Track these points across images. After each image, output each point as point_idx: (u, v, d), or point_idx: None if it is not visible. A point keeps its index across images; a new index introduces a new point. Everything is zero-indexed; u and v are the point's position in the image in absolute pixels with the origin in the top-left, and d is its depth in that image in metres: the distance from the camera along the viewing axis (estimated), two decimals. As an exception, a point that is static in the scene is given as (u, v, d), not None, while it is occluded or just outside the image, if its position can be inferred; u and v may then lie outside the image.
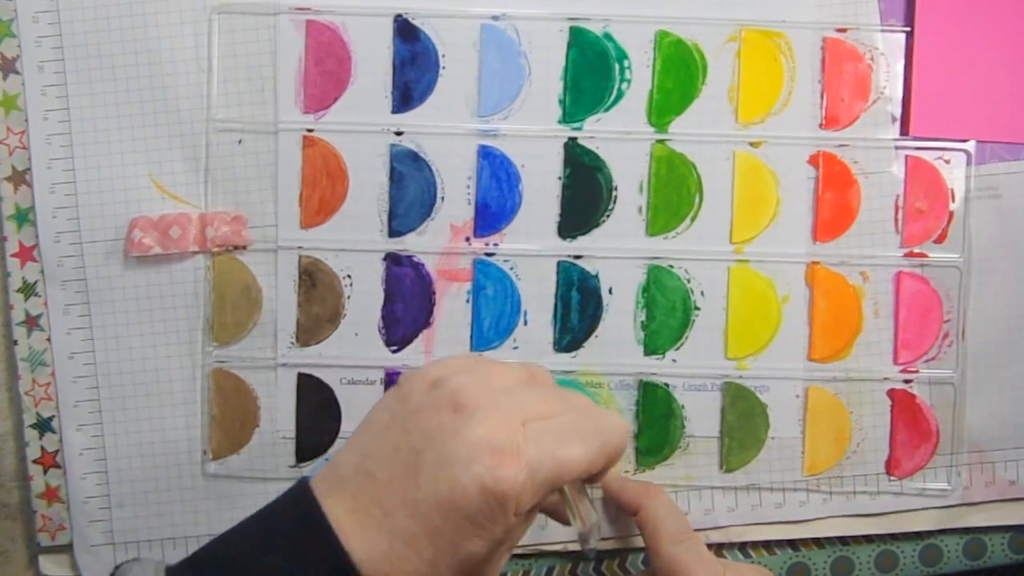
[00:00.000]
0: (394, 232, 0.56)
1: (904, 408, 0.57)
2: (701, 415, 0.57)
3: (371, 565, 0.37)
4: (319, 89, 0.55)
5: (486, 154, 0.56)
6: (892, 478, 0.58)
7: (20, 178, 0.56)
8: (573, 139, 0.56)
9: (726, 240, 0.57)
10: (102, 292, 0.56)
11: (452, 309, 0.56)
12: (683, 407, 0.57)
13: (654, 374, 0.57)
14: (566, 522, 0.44)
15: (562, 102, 0.56)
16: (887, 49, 0.56)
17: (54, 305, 0.56)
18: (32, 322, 0.56)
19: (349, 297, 0.56)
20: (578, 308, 0.57)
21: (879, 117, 0.57)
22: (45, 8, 0.55)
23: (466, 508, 0.37)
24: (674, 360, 0.57)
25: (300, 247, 0.56)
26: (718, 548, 0.58)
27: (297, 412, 0.56)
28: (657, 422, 0.57)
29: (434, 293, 0.56)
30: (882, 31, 0.56)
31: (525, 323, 0.57)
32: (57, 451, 0.56)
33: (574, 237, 0.56)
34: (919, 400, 0.57)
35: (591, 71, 0.56)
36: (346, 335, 0.56)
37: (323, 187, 0.56)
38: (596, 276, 0.56)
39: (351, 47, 0.55)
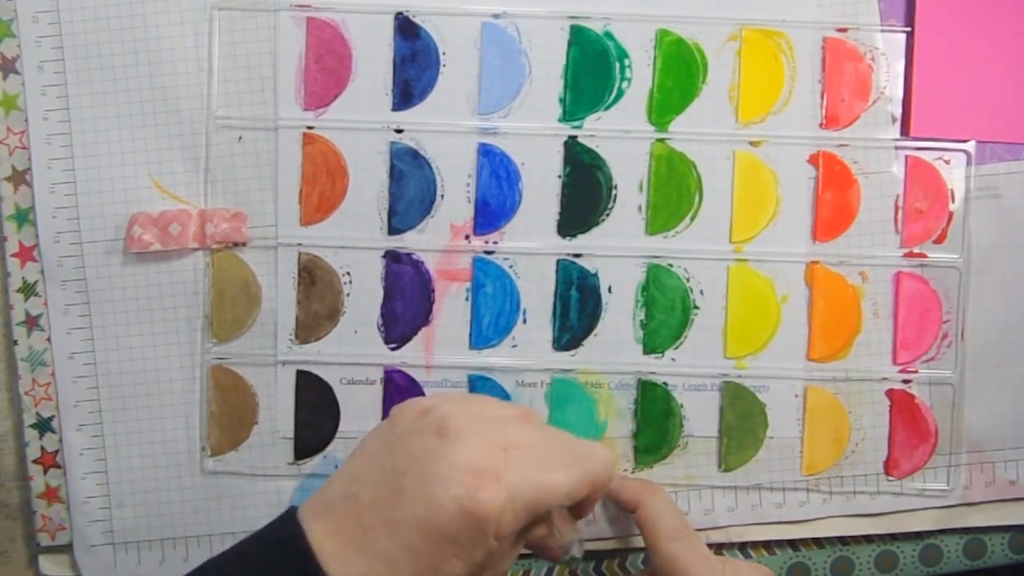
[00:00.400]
0: (394, 230, 0.56)
1: (903, 408, 0.57)
2: (700, 414, 0.57)
3: None
4: (319, 86, 0.55)
5: (486, 152, 0.56)
6: (891, 478, 0.58)
7: (20, 178, 0.55)
8: (573, 137, 0.56)
9: (726, 239, 0.57)
10: (102, 292, 0.56)
11: (451, 307, 0.56)
12: (682, 406, 0.57)
13: (653, 373, 0.57)
14: (555, 559, 0.44)
15: (562, 100, 0.56)
16: (887, 49, 0.56)
17: (54, 305, 0.56)
18: (32, 322, 0.56)
19: (348, 295, 0.56)
20: (577, 307, 0.57)
21: (879, 117, 0.57)
22: (45, 8, 0.55)
23: (446, 528, 0.37)
24: (673, 359, 0.57)
25: (300, 244, 0.56)
26: (718, 548, 0.58)
27: (296, 409, 0.56)
28: (656, 421, 0.57)
29: (433, 291, 0.56)
30: (882, 31, 0.56)
31: (524, 321, 0.57)
32: (57, 451, 0.56)
33: (574, 235, 0.56)
34: (918, 400, 0.57)
35: (591, 70, 0.56)
36: (345, 332, 0.56)
37: (323, 184, 0.56)
38: (595, 275, 0.56)
39: (351, 44, 0.55)
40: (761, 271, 0.57)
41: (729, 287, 0.57)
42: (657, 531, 0.50)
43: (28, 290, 0.56)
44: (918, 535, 0.59)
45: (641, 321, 0.57)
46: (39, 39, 0.55)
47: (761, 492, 0.58)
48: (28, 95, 0.55)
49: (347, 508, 0.39)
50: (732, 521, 0.58)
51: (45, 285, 0.56)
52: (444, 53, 0.56)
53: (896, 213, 0.57)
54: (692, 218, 0.57)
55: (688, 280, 0.57)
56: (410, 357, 0.57)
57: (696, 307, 0.57)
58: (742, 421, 0.57)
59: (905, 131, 0.57)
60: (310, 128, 0.56)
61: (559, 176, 0.56)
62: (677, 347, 0.57)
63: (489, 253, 0.56)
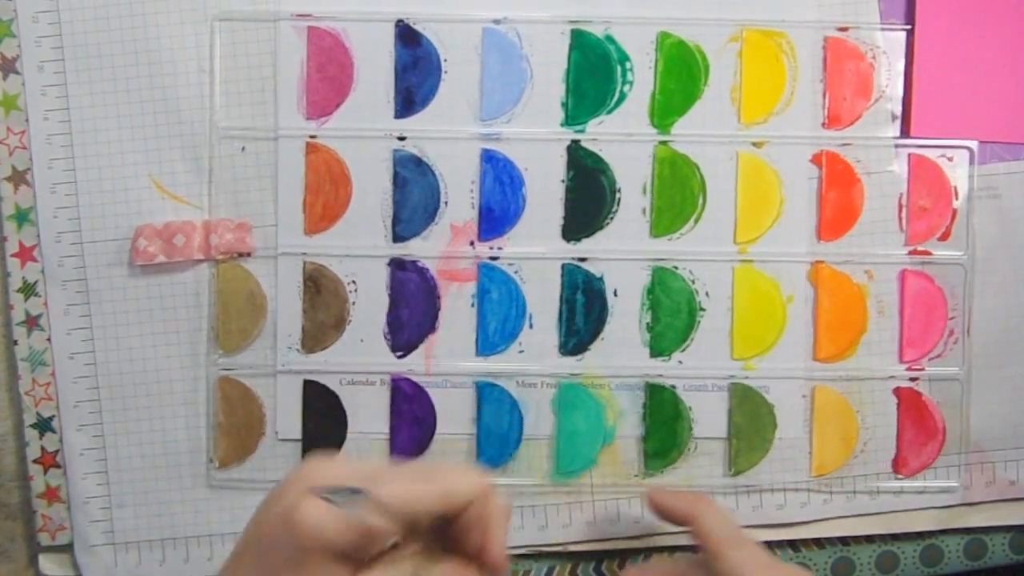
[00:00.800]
0: (398, 237, 0.56)
1: (910, 406, 0.57)
2: (708, 417, 0.57)
3: None
4: (321, 95, 0.55)
5: (489, 158, 0.56)
6: (899, 476, 0.58)
7: (20, 178, 0.55)
8: (576, 142, 0.56)
9: (730, 240, 0.57)
10: (102, 292, 0.56)
11: (457, 313, 0.56)
12: (690, 409, 0.57)
13: (660, 376, 0.57)
14: None
15: (564, 105, 0.56)
16: (888, 48, 0.57)
17: (54, 305, 0.56)
18: (32, 322, 0.56)
19: (354, 303, 0.56)
20: (583, 311, 0.56)
21: (881, 116, 0.57)
22: (45, 8, 0.55)
23: (272, 544, 0.34)
24: (680, 362, 0.57)
25: (304, 253, 0.56)
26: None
27: (303, 419, 0.56)
28: (665, 424, 0.57)
29: (439, 298, 0.56)
30: (882, 29, 0.56)
31: (530, 326, 0.57)
32: (57, 451, 0.56)
33: (578, 239, 0.56)
34: (925, 398, 0.57)
35: (593, 73, 0.56)
36: (351, 341, 0.56)
37: (326, 193, 0.55)
38: (601, 278, 0.56)
39: (353, 53, 0.55)
40: (766, 271, 0.57)
41: (735, 288, 0.57)
42: (720, 541, 0.49)
43: (28, 290, 0.56)
44: (919, 535, 0.59)
45: (647, 324, 0.57)
46: (39, 39, 0.55)
47: (762, 493, 0.58)
48: (28, 95, 0.55)
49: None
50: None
51: (45, 285, 0.56)
52: (445, 60, 0.56)
53: (900, 211, 0.57)
54: (696, 220, 0.57)
55: (694, 282, 0.57)
56: (417, 365, 0.56)
57: (702, 309, 0.57)
58: (751, 423, 0.57)
59: (906, 131, 0.57)
60: (313, 137, 0.55)
61: (562, 180, 0.56)
62: (684, 349, 0.57)
63: (494, 259, 0.56)
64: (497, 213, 0.56)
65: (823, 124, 0.57)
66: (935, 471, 0.58)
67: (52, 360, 0.56)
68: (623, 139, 0.56)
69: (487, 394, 0.56)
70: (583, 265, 0.56)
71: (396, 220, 0.56)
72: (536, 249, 0.56)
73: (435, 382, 0.57)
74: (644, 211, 0.56)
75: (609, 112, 0.56)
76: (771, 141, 0.56)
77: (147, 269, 0.56)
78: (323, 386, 0.56)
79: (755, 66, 0.56)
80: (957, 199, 0.57)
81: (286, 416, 0.56)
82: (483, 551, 0.36)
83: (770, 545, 0.58)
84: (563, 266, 0.56)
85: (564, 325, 0.57)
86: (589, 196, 0.56)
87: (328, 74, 0.55)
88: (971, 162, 0.57)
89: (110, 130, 0.55)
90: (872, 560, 0.59)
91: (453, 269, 0.56)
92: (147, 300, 0.56)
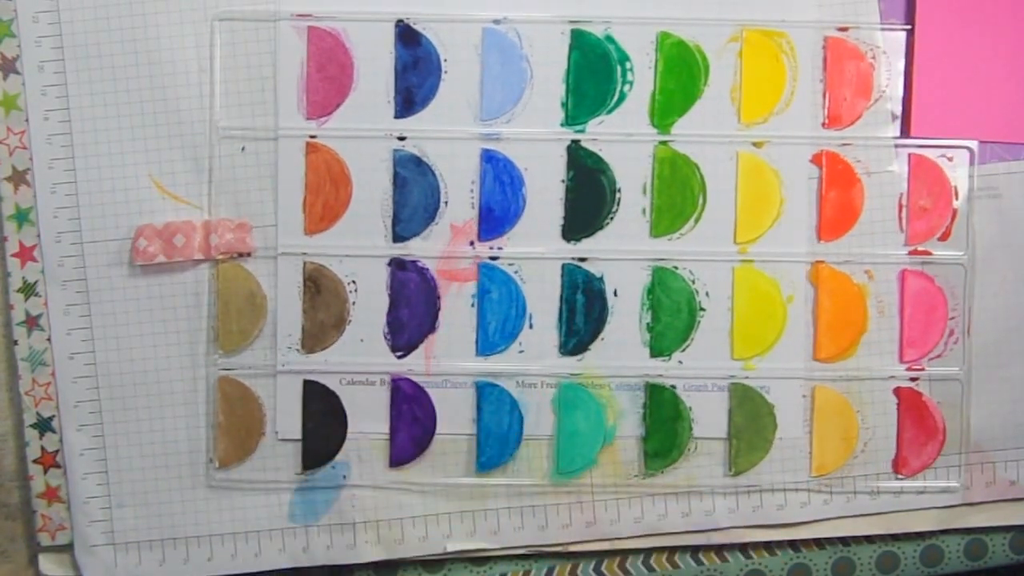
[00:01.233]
0: (398, 237, 0.56)
1: (911, 406, 0.57)
2: (708, 417, 0.57)
3: None
4: (321, 95, 0.55)
5: (489, 158, 0.56)
6: (900, 476, 0.58)
7: (20, 178, 0.55)
8: (576, 142, 0.56)
9: (730, 240, 0.57)
10: (103, 292, 0.56)
11: (457, 314, 0.56)
12: (690, 409, 0.57)
13: (660, 376, 0.57)
14: None
15: (564, 105, 0.56)
16: (888, 47, 0.57)
17: (54, 305, 0.56)
18: (32, 322, 0.56)
19: (354, 303, 0.56)
20: (583, 311, 0.56)
21: (881, 116, 0.57)
22: (45, 8, 0.55)
23: None
24: (680, 362, 0.57)
25: (304, 253, 0.56)
26: (719, 549, 0.58)
27: (303, 419, 0.56)
28: (665, 425, 0.57)
29: (439, 298, 0.56)
30: (882, 30, 0.56)
31: (531, 327, 0.57)
32: (57, 451, 0.56)
33: (578, 240, 0.56)
34: (925, 398, 0.57)
35: (593, 73, 0.56)
36: (351, 341, 0.56)
37: (327, 193, 0.56)
38: (601, 278, 0.56)
39: (353, 53, 0.55)
40: (766, 271, 0.57)
41: (735, 288, 0.57)
42: None
43: (28, 290, 0.56)
44: (919, 535, 0.59)
45: (647, 324, 0.57)
46: (39, 39, 0.55)
47: (762, 493, 0.58)
48: (28, 95, 0.55)
49: None
50: (733, 523, 0.58)
51: (45, 285, 0.56)
52: (445, 60, 0.56)
53: (900, 211, 0.57)
54: (696, 220, 0.57)
55: (694, 282, 0.57)
56: (417, 365, 0.56)
57: (702, 309, 0.57)
58: (751, 423, 0.57)
59: (906, 131, 0.57)
60: (313, 137, 0.55)
61: (562, 180, 0.56)
62: (684, 349, 0.57)
63: (494, 259, 0.56)
64: (497, 213, 0.56)
65: (823, 124, 0.57)
66: (935, 471, 0.58)
67: (52, 360, 0.56)
68: (623, 139, 0.56)
69: (487, 394, 0.56)
70: (583, 265, 0.56)
71: (396, 220, 0.56)
72: (536, 249, 0.56)
73: (435, 382, 0.57)
74: (644, 211, 0.56)
75: (609, 112, 0.56)
76: (771, 141, 0.56)
77: (147, 269, 0.56)
78: (323, 386, 0.56)
79: (755, 66, 0.56)
80: (957, 199, 0.57)
81: (286, 416, 0.56)
82: None
83: (770, 545, 0.59)
84: (563, 266, 0.56)
85: (564, 325, 0.57)
86: (589, 196, 0.56)
87: (328, 74, 0.55)
88: (971, 162, 0.57)
89: (110, 130, 0.55)
90: (872, 560, 0.59)
91: (453, 269, 0.56)
92: (147, 300, 0.56)
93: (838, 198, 0.57)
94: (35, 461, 0.57)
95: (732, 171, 0.56)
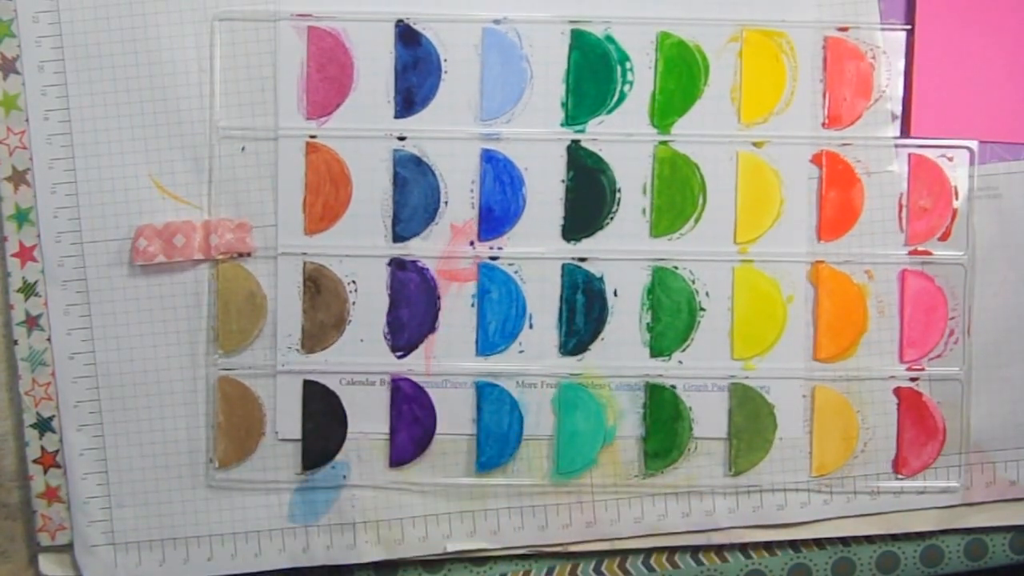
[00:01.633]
0: (398, 237, 0.56)
1: (911, 406, 0.57)
2: (708, 417, 0.57)
3: None
4: (321, 95, 0.55)
5: (489, 158, 0.56)
6: (900, 476, 0.58)
7: (20, 178, 0.55)
8: (576, 142, 0.56)
9: (730, 240, 0.57)
10: (103, 292, 0.56)
11: (457, 314, 0.56)
12: (690, 409, 0.57)
13: (660, 376, 0.57)
14: None
15: (564, 105, 0.56)
16: (888, 47, 0.57)
17: (54, 305, 0.56)
18: (32, 322, 0.56)
19: (354, 303, 0.56)
20: (583, 311, 0.56)
21: (881, 116, 0.57)
22: (45, 8, 0.55)
23: None
24: (680, 362, 0.57)
25: (304, 253, 0.56)
26: (719, 549, 0.58)
27: (303, 419, 0.56)
28: (665, 425, 0.57)
29: (439, 298, 0.56)
30: (883, 30, 0.56)
31: (531, 326, 0.57)
32: (57, 451, 0.56)
33: (578, 239, 0.56)
34: (925, 398, 0.57)
35: (593, 73, 0.56)
36: (351, 341, 0.56)
37: (327, 193, 0.56)
38: (601, 278, 0.56)
39: (353, 53, 0.55)
40: (766, 271, 0.57)
41: (735, 288, 0.57)
42: None
43: (28, 290, 0.56)
44: (919, 535, 0.59)
45: (648, 324, 0.57)
46: (39, 39, 0.55)
47: (762, 494, 0.58)
48: (28, 95, 0.55)
49: None
50: (733, 523, 0.58)
51: (45, 285, 0.56)
52: (445, 60, 0.56)
53: (900, 211, 0.57)
54: (696, 220, 0.57)
55: (694, 282, 0.57)
56: (417, 365, 0.56)
57: (702, 309, 0.57)
58: (751, 423, 0.57)
59: (906, 131, 0.57)
60: (313, 137, 0.56)
61: (562, 180, 0.56)
62: (684, 349, 0.57)
63: (494, 259, 0.56)
64: (497, 213, 0.56)
65: (823, 124, 0.57)
66: (935, 471, 0.58)
67: (52, 360, 0.56)
68: (623, 139, 0.56)
69: (487, 394, 0.56)
70: (583, 265, 0.56)
71: (396, 220, 0.56)
72: (536, 249, 0.56)
73: (435, 382, 0.57)
74: (644, 211, 0.56)
75: (609, 112, 0.56)
76: (771, 141, 0.56)
77: (147, 269, 0.56)
78: (323, 386, 0.56)
79: (755, 66, 0.56)
80: (957, 199, 0.57)
81: (286, 416, 0.56)
82: None
83: (770, 546, 0.59)
84: (563, 266, 0.56)
85: (564, 325, 0.57)
86: (589, 196, 0.56)
87: (328, 74, 0.55)
88: (971, 162, 0.57)
89: (110, 130, 0.55)
90: (872, 560, 0.59)
91: (453, 269, 0.56)
92: (147, 300, 0.56)
93: (838, 198, 0.57)
94: (35, 461, 0.57)
95: (732, 171, 0.56)
